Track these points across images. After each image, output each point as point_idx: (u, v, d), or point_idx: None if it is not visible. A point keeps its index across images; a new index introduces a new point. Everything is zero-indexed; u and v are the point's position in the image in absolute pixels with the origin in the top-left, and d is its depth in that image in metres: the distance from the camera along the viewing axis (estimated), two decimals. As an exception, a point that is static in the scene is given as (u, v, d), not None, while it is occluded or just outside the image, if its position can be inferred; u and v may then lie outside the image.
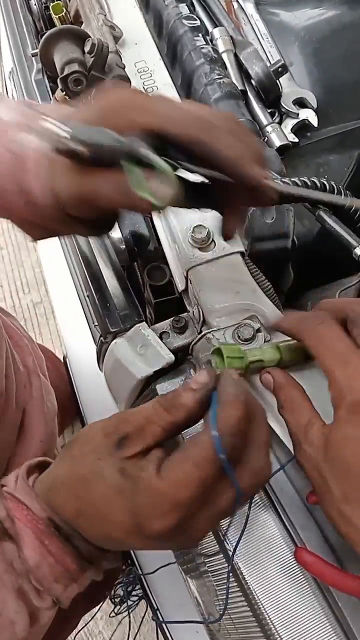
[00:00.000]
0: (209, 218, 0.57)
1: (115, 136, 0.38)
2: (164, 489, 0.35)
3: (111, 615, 0.79)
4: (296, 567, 0.46)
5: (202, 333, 0.52)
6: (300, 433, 0.41)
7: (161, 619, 0.76)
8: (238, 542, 0.48)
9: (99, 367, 0.66)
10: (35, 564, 0.38)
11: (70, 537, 0.40)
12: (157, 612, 0.79)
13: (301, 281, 0.71)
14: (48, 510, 0.39)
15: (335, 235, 0.54)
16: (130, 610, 0.80)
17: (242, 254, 0.56)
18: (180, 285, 0.59)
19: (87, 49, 0.57)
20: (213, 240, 0.56)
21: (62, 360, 1.03)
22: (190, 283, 0.56)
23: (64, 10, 0.68)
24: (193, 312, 0.56)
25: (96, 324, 0.60)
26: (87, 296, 0.61)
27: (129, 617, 0.79)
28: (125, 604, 0.77)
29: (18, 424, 0.64)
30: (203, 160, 0.40)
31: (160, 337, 0.55)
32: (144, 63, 0.68)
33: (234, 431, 0.36)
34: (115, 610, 0.79)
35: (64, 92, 0.57)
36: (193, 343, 0.54)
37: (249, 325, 0.51)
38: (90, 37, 0.58)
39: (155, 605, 0.80)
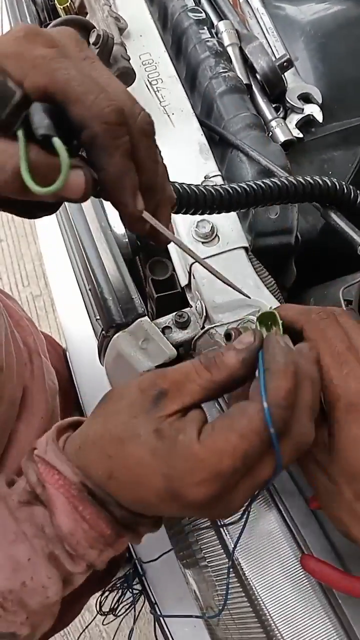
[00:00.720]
0: (213, 213, 0.57)
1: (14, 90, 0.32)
2: (205, 456, 0.34)
3: (106, 612, 0.79)
4: (296, 564, 0.46)
5: (205, 328, 0.52)
6: None
7: (159, 613, 0.76)
8: (239, 538, 0.47)
9: (100, 361, 0.66)
10: (69, 530, 0.37)
11: (104, 502, 0.38)
12: (155, 605, 0.80)
13: (304, 277, 0.70)
14: (80, 475, 0.38)
15: (339, 232, 0.54)
16: (134, 604, 0.80)
17: (245, 249, 0.56)
18: (183, 280, 0.58)
19: (92, 40, 0.56)
20: (217, 235, 0.56)
21: (63, 354, 1.03)
22: (194, 278, 0.55)
23: (69, 0, 0.67)
24: (196, 307, 0.56)
25: (98, 317, 0.59)
26: (89, 289, 0.60)
27: (134, 610, 0.79)
28: (124, 595, 0.78)
29: (19, 401, 0.63)
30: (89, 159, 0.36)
31: (163, 332, 0.55)
32: (148, 55, 0.68)
33: (285, 404, 0.34)
34: (114, 605, 0.79)
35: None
36: (196, 338, 0.53)
37: (252, 321, 0.51)
38: (95, 28, 0.57)
39: (153, 599, 0.80)
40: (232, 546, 0.48)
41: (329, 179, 0.53)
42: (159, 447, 0.35)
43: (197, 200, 0.45)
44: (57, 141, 0.32)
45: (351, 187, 0.54)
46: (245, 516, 0.47)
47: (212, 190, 0.45)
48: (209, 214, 0.47)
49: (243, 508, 0.47)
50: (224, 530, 0.50)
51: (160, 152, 0.39)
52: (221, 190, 0.46)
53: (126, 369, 0.56)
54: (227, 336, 0.42)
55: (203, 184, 0.46)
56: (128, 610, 0.83)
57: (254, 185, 0.48)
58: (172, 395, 0.36)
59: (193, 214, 0.46)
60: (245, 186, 0.48)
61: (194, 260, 0.55)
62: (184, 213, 0.45)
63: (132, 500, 0.37)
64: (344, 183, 0.54)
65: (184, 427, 0.35)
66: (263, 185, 0.49)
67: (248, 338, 0.37)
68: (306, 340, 0.41)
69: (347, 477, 0.38)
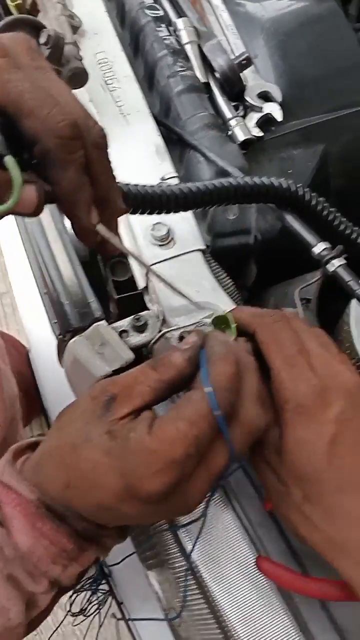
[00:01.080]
0: (170, 215, 0.56)
1: None
2: (157, 447, 0.34)
3: (76, 613, 0.79)
4: (254, 565, 0.47)
5: (162, 332, 0.52)
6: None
7: (124, 616, 0.76)
8: (196, 541, 0.48)
9: (60, 364, 0.65)
10: (28, 548, 0.37)
11: (64, 516, 0.38)
12: (122, 605, 0.80)
13: (265, 276, 0.71)
14: (37, 491, 0.38)
15: (294, 234, 0.54)
16: (100, 606, 0.80)
17: (202, 251, 0.56)
18: (141, 283, 0.58)
19: (42, 40, 0.55)
20: (173, 238, 0.56)
21: (26, 355, 1.02)
22: (150, 281, 0.55)
23: (21, -3, 0.66)
24: (153, 310, 0.56)
25: (55, 321, 0.59)
26: (45, 293, 0.60)
27: (99, 615, 0.79)
28: (94, 595, 0.78)
29: None
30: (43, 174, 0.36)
31: (120, 336, 0.54)
32: (104, 54, 0.67)
33: (228, 386, 0.36)
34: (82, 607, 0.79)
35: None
36: (152, 342, 0.53)
37: (207, 324, 0.51)
38: (45, 27, 0.56)
39: (119, 600, 0.80)
40: (190, 548, 0.48)
41: (284, 181, 0.54)
42: (112, 447, 0.35)
43: (150, 201, 0.45)
44: (9, 160, 0.31)
45: (306, 188, 0.54)
46: (202, 518, 0.47)
47: (165, 190, 0.45)
48: (165, 213, 0.47)
49: (202, 507, 0.48)
50: (181, 532, 0.51)
51: (110, 163, 0.39)
52: (174, 190, 0.45)
53: (84, 373, 0.55)
54: (181, 339, 0.43)
55: (158, 185, 0.45)
56: (97, 611, 0.83)
57: (207, 185, 0.48)
58: (122, 399, 0.37)
59: (148, 213, 0.46)
60: (199, 186, 0.48)
61: (151, 264, 0.55)
62: (132, 213, 0.44)
63: (91, 507, 0.37)
64: (299, 185, 0.54)
65: (135, 426, 0.36)
66: (217, 185, 0.49)
67: (192, 338, 0.39)
68: (259, 342, 0.42)
69: (294, 479, 0.38)
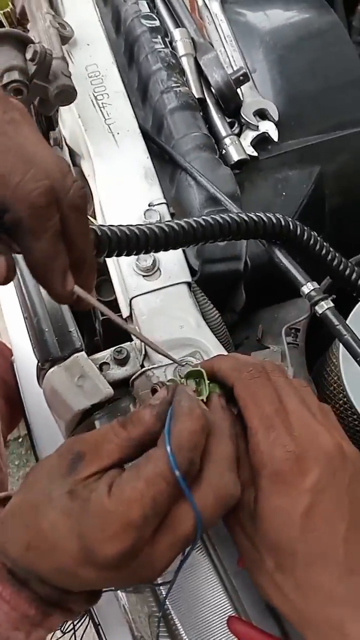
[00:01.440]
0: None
1: None
2: (114, 508, 0.33)
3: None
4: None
5: (142, 369, 0.50)
6: None
7: (101, 637, 0.75)
8: (170, 588, 0.46)
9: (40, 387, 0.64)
10: None
11: (25, 581, 0.36)
12: (99, 627, 0.79)
13: (254, 299, 0.69)
14: None
15: (283, 271, 0.52)
16: (75, 625, 0.79)
17: (188, 284, 0.54)
18: (124, 312, 0.56)
19: (28, 56, 0.53)
20: (159, 268, 0.54)
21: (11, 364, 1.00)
22: (134, 313, 0.53)
23: (10, 5, 0.63)
24: (135, 342, 0.54)
25: (35, 347, 0.57)
26: (26, 317, 0.58)
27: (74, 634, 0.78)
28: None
29: None
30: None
31: (100, 368, 0.53)
32: (95, 67, 0.64)
33: (189, 445, 0.34)
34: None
35: (4, 102, 0.53)
36: (133, 378, 0.51)
37: (190, 362, 0.49)
38: (33, 42, 0.54)
39: (97, 620, 0.79)
40: (163, 597, 0.47)
41: (275, 216, 0.52)
42: (71, 507, 0.34)
43: (128, 243, 0.42)
44: None
45: (298, 224, 0.52)
46: (178, 566, 0.46)
47: (146, 230, 0.43)
48: (144, 253, 0.45)
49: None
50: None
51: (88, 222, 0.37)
52: (155, 230, 0.43)
53: (61, 405, 0.53)
54: (153, 391, 0.41)
55: (137, 225, 0.43)
56: (74, 628, 0.82)
57: (193, 224, 0.46)
58: (90, 458, 0.36)
59: (126, 255, 0.44)
60: (183, 224, 0.46)
61: (134, 295, 0.53)
62: (108, 256, 0.43)
63: (51, 570, 0.35)
64: (290, 220, 0.52)
65: (97, 486, 0.34)
66: (203, 223, 0.47)
67: (162, 393, 0.37)
68: (237, 399, 0.40)
69: (268, 548, 0.37)
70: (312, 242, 0.53)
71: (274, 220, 0.50)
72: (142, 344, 0.53)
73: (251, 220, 0.49)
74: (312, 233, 0.54)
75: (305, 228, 0.53)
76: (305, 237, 0.53)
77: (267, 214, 0.51)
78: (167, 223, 0.44)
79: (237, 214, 0.49)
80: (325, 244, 0.55)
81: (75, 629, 0.76)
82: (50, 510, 0.34)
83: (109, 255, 0.42)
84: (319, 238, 0.54)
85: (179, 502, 0.34)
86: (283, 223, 0.51)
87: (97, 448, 0.36)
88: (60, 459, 0.36)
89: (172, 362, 0.50)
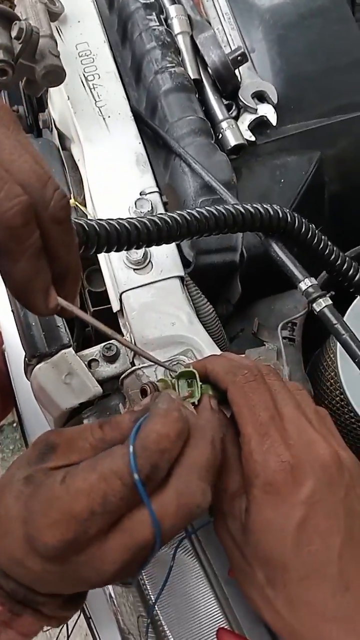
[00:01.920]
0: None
1: None
2: (60, 495, 0.31)
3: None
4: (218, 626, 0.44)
5: (133, 368, 0.48)
6: (226, 501, 0.38)
7: (92, 629, 0.74)
8: (159, 595, 0.45)
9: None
10: None
11: None
12: (91, 620, 0.78)
13: (250, 290, 0.67)
14: None
15: (280, 265, 0.50)
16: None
17: (181, 278, 0.52)
18: (115, 306, 0.54)
19: (14, 34, 0.49)
20: (150, 261, 0.51)
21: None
22: (124, 308, 0.51)
23: (-4, -22, 0.59)
24: (126, 338, 0.52)
25: (22, 342, 0.55)
26: (12, 311, 0.55)
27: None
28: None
29: None
30: None
31: (89, 365, 0.51)
32: (86, 45, 0.61)
33: (155, 447, 0.32)
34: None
35: (-13, 83, 0.50)
36: (123, 377, 0.49)
37: (182, 361, 0.47)
38: (19, 19, 0.51)
39: (88, 613, 0.78)
40: (152, 602, 0.46)
41: (273, 207, 0.49)
42: (23, 492, 0.33)
43: (118, 237, 0.40)
44: None
45: (296, 215, 0.50)
46: (167, 571, 0.44)
47: (136, 224, 0.40)
48: (136, 249, 0.42)
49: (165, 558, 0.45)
50: (145, 578, 0.48)
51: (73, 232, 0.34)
52: (147, 223, 0.41)
53: (49, 403, 0.52)
54: (143, 392, 0.39)
55: (127, 218, 0.41)
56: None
57: (187, 216, 0.44)
58: (61, 451, 0.34)
59: (116, 251, 0.42)
60: (177, 217, 0.43)
61: (125, 289, 0.51)
62: (97, 253, 0.40)
63: (5, 559, 0.34)
64: (288, 211, 0.50)
65: (53, 474, 0.33)
66: (197, 216, 0.44)
67: (147, 400, 0.36)
68: (230, 403, 0.38)
69: (259, 560, 0.35)
70: (309, 235, 0.51)
71: (271, 212, 0.48)
72: (132, 340, 0.50)
73: (247, 212, 0.47)
74: (310, 226, 0.51)
75: (303, 220, 0.51)
76: (303, 230, 0.50)
77: (264, 205, 0.48)
78: (159, 216, 0.42)
79: (233, 206, 0.46)
80: (323, 237, 0.52)
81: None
82: (7, 494, 0.33)
83: (98, 252, 0.40)
84: (316, 231, 0.52)
85: (139, 506, 0.32)
86: (280, 215, 0.49)
87: (71, 443, 0.34)
88: (33, 448, 0.35)
89: (163, 361, 0.48)
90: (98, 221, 0.39)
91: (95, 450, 0.34)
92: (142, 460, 0.31)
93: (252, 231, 0.51)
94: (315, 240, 0.51)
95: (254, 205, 0.48)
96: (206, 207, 0.45)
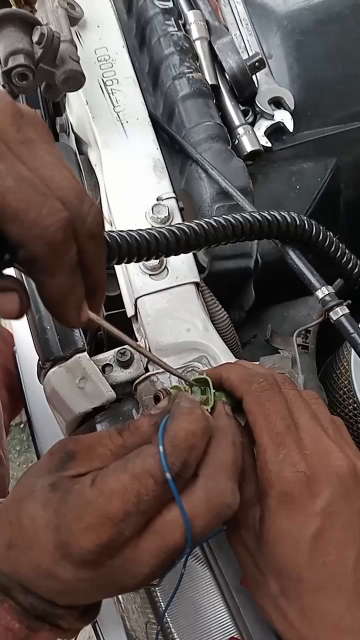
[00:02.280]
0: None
1: None
2: (94, 498, 0.31)
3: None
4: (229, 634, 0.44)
5: (147, 374, 0.48)
6: (240, 510, 0.37)
7: (98, 634, 0.74)
8: (169, 602, 0.45)
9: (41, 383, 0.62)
10: None
11: (8, 590, 0.34)
12: (96, 624, 0.78)
13: (264, 296, 0.67)
14: None
15: (297, 273, 0.50)
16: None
17: (196, 284, 0.52)
18: (129, 311, 0.54)
19: (35, 39, 0.50)
20: (166, 267, 0.51)
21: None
22: (139, 313, 0.51)
23: (17, -17, 0.60)
24: (140, 344, 0.52)
25: (36, 346, 0.55)
26: (27, 314, 0.56)
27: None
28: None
29: None
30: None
31: (103, 370, 0.51)
32: (105, 50, 0.61)
33: (185, 445, 0.32)
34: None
35: (7, 87, 0.50)
36: (137, 382, 0.49)
37: (197, 368, 0.47)
38: (40, 24, 0.51)
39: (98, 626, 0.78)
40: (163, 610, 0.46)
41: (290, 215, 0.49)
42: (51, 499, 0.32)
43: (138, 249, 0.40)
44: None
45: (314, 223, 0.50)
46: (178, 579, 0.44)
47: (156, 235, 0.41)
48: (155, 258, 0.42)
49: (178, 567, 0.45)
50: (155, 590, 0.48)
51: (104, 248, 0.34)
52: (167, 234, 0.41)
53: (62, 407, 0.52)
54: (156, 398, 0.39)
55: (147, 229, 0.41)
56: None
57: (204, 225, 0.44)
58: (81, 458, 0.34)
59: (136, 262, 0.42)
60: (195, 227, 0.43)
61: (140, 295, 0.51)
62: (118, 264, 0.40)
63: (30, 571, 0.33)
64: (306, 219, 0.50)
65: (81, 479, 0.33)
66: (215, 225, 0.44)
67: (163, 403, 0.35)
68: (246, 412, 0.38)
69: (273, 571, 0.35)
70: (327, 242, 0.50)
71: (289, 220, 0.48)
72: (147, 346, 0.50)
73: (265, 220, 0.47)
74: (328, 233, 0.51)
75: (321, 228, 0.50)
76: (321, 237, 0.50)
77: (282, 213, 0.48)
78: (177, 226, 0.42)
79: (250, 214, 0.46)
80: (340, 245, 0.52)
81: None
82: (31, 503, 0.33)
83: (119, 263, 0.40)
84: (334, 238, 0.52)
85: (169, 506, 0.32)
86: (298, 222, 0.49)
87: (90, 450, 0.34)
88: (51, 457, 0.35)
89: (177, 367, 0.48)
90: (119, 233, 0.39)
91: (116, 456, 0.34)
92: (172, 457, 0.31)
93: (269, 238, 0.51)
94: (333, 248, 0.50)
95: (272, 212, 0.48)
96: (223, 216, 0.45)
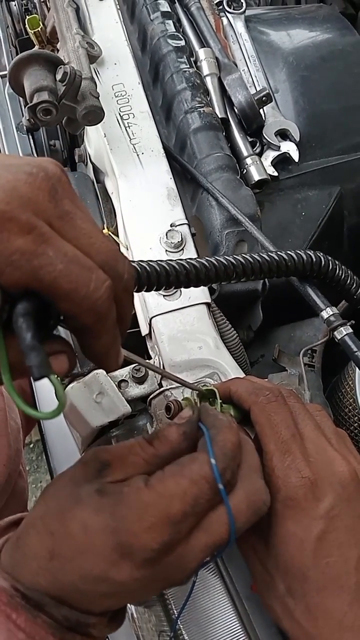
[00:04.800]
0: (177, 264, 0.55)
1: None
2: (154, 500, 0.33)
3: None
4: None
5: (161, 389, 0.51)
6: None
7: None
8: (182, 609, 0.47)
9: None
10: None
11: (41, 605, 0.35)
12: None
13: (271, 317, 0.69)
14: (10, 579, 0.35)
15: (302, 294, 0.53)
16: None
17: (208, 305, 0.55)
18: (143, 330, 0.57)
19: (58, 77, 0.54)
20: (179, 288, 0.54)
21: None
22: (153, 332, 0.54)
23: (40, 24, 0.64)
24: (154, 361, 0.55)
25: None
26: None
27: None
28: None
29: None
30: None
31: (119, 385, 0.53)
32: (121, 86, 0.65)
33: (232, 454, 0.35)
34: None
35: (32, 121, 0.54)
36: (151, 397, 0.52)
37: (208, 384, 0.50)
38: (63, 63, 0.55)
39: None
40: (176, 616, 0.47)
41: (306, 252, 0.52)
42: (103, 504, 0.34)
43: (162, 279, 0.43)
44: (54, 380, 0.29)
45: (329, 259, 0.52)
46: (190, 587, 0.46)
47: (176, 266, 0.44)
48: (175, 288, 0.46)
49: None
50: (168, 595, 0.50)
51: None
52: (185, 265, 0.44)
53: (79, 420, 0.54)
54: (167, 409, 0.42)
55: (167, 260, 0.44)
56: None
57: (224, 262, 0.47)
58: (116, 467, 0.36)
59: (155, 290, 0.45)
60: (214, 262, 0.46)
61: (155, 314, 0.54)
62: (138, 291, 0.43)
63: (78, 578, 0.34)
64: (322, 255, 0.52)
65: (130, 483, 0.35)
66: (235, 262, 0.47)
67: (187, 412, 0.38)
68: (253, 422, 0.41)
69: (280, 571, 0.37)
70: (336, 272, 0.53)
71: (304, 258, 0.51)
72: (160, 363, 0.53)
73: (281, 259, 0.49)
74: (339, 266, 0.53)
75: (337, 263, 0.52)
76: (334, 270, 0.52)
77: (298, 252, 0.51)
78: (197, 260, 0.45)
79: (268, 254, 0.49)
80: (349, 272, 0.54)
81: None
82: (80, 511, 0.34)
83: (138, 291, 0.43)
84: (342, 267, 0.54)
85: (216, 507, 0.35)
86: (313, 259, 0.51)
87: (124, 459, 0.36)
88: (86, 467, 0.36)
89: (192, 383, 0.50)
90: (139, 263, 0.42)
91: (149, 465, 0.36)
92: (222, 465, 0.34)
93: (287, 276, 0.53)
94: (343, 276, 0.53)
95: (289, 252, 0.50)
96: (243, 255, 0.48)
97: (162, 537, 0.33)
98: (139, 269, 0.42)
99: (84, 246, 0.31)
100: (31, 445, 1.68)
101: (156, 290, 0.44)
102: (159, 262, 0.43)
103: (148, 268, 0.42)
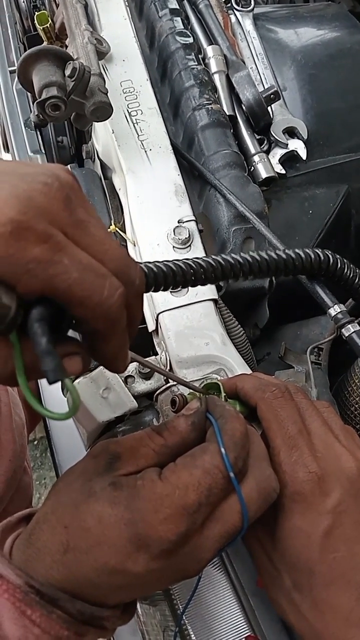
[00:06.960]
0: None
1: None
2: (169, 492, 0.33)
3: None
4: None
5: (167, 385, 0.51)
6: None
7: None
8: (187, 604, 0.47)
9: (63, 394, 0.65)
10: (18, 638, 0.34)
11: (55, 600, 0.35)
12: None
13: (278, 315, 0.69)
14: (24, 575, 0.35)
15: (310, 292, 0.53)
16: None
17: (215, 301, 0.55)
18: (150, 326, 0.57)
19: (67, 72, 0.54)
20: (186, 284, 0.54)
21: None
22: (160, 328, 0.54)
23: (49, 20, 0.64)
24: (161, 357, 0.55)
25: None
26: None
27: None
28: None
29: None
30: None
31: (125, 381, 0.54)
32: (130, 83, 0.65)
33: (242, 443, 0.35)
34: None
35: (40, 117, 0.54)
36: (158, 392, 0.52)
37: (215, 379, 0.50)
38: (72, 59, 0.55)
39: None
40: (181, 611, 0.47)
41: (314, 251, 0.51)
42: (117, 496, 0.34)
43: (169, 279, 0.43)
44: (69, 385, 0.29)
45: (338, 257, 0.52)
46: (195, 582, 0.46)
47: (182, 266, 0.43)
48: (182, 287, 0.46)
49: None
50: (173, 590, 0.50)
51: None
52: (193, 265, 0.44)
53: (86, 415, 0.54)
54: (172, 403, 0.42)
55: (174, 260, 0.44)
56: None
57: (230, 260, 0.47)
58: (126, 459, 0.36)
59: (163, 290, 0.45)
60: (221, 260, 0.46)
61: (162, 310, 0.54)
62: (154, 291, 0.43)
63: (93, 571, 0.34)
64: (330, 254, 0.52)
65: (143, 475, 0.35)
66: (241, 261, 0.47)
67: (194, 404, 0.38)
68: (260, 418, 0.41)
69: (286, 566, 0.38)
70: (345, 270, 0.52)
71: (313, 256, 0.50)
72: (167, 359, 0.53)
73: (289, 258, 0.49)
74: (348, 264, 0.53)
75: (345, 262, 0.52)
76: (345, 270, 0.52)
77: (306, 250, 0.51)
78: (204, 259, 0.45)
79: (276, 252, 0.49)
80: (357, 270, 0.54)
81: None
82: (94, 504, 0.34)
83: (146, 291, 0.43)
84: (351, 265, 0.54)
85: (228, 496, 0.35)
86: (322, 258, 0.51)
87: (134, 451, 0.36)
88: (96, 460, 0.36)
89: (196, 379, 0.50)
90: (147, 264, 0.42)
91: (159, 456, 0.36)
92: (234, 454, 0.35)
93: (294, 275, 0.53)
94: (351, 275, 0.53)
95: (296, 250, 0.50)
96: (254, 253, 0.48)
97: (179, 528, 0.33)
98: (146, 270, 0.42)
99: (98, 253, 0.31)
100: (35, 442, 1.69)
101: (164, 290, 0.44)
102: (166, 262, 0.43)
103: (155, 269, 0.42)
